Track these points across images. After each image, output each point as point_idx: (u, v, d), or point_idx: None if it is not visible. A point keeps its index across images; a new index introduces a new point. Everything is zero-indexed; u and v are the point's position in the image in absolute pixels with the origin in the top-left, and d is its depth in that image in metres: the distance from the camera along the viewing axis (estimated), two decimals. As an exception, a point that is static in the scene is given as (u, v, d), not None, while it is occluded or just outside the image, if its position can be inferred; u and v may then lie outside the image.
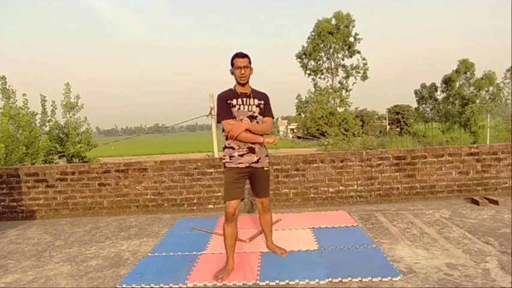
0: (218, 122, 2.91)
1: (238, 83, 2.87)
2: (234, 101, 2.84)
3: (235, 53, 2.85)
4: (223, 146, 2.94)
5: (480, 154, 4.92)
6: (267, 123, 2.94)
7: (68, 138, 12.55)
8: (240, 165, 2.86)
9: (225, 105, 2.85)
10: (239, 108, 2.84)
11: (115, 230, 4.30)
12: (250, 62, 2.84)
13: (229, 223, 2.84)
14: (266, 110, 2.96)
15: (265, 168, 2.98)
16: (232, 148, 2.87)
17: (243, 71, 2.80)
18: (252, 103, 2.87)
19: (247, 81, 2.88)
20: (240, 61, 2.80)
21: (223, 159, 2.92)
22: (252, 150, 2.87)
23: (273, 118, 3.03)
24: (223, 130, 2.91)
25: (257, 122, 2.89)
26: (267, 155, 3.00)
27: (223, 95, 2.89)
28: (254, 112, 2.87)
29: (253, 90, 2.93)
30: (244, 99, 2.86)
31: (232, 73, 2.88)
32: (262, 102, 2.93)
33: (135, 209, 5.02)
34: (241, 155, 2.86)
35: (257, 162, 2.90)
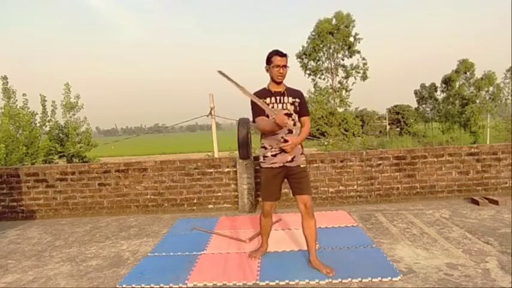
0: (253, 121, 2.92)
1: (273, 81, 2.85)
2: (268, 100, 2.82)
3: (273, 50, 2.81)
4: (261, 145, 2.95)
5: (480, 154, 4.92)
6: (306, 126, 2.88)
7: (68, 138, 12.56)
8: (274, 165, 2.85)
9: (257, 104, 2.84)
10: (272, 107, 2.81)
11: (115, 230, 4.30)
12: (287, 61, 2.83)
13: (265, 217, 3.06)
14: (302, 109, 2.89)
15: (302, 166, 2.87)
16: (265, 148, 2.88)
17: (281, 70, 2.78)
18: (286, 101, 2.83)
19: (283, 80, 2.86)
20: (279, 59, 2.78)
21: (260, 158, 2.96)
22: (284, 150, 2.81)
23: (309, 115, 2.97)
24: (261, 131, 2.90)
25: (292, 120, 2.83)
26: (302, 153, 2.91)
27: (256, 94, 2.85)
28: (289, 110, 2.83)
29: (287, 88, 2.89)
30: (278, 97, 2.84)
31: (267, 70, 2.86)
32: (298, 100, 2.87)
33: (135, 209, 5.02)
34: (274, 155, 2.84)
35: (292, 161, 2.84)
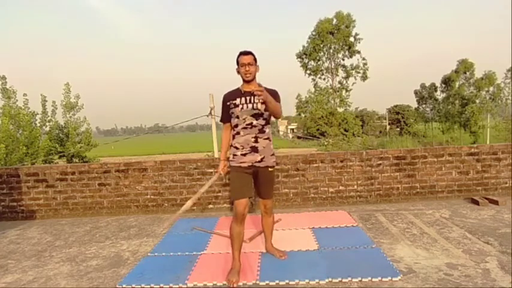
0: (221, 121, 3.01)
1: (243, 80, 2.86)
2: (238, 100, 2.84)
3: (240, 51, 2.86)
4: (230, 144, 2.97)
5: (480, 154, 4.92)
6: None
7: (68, 138, 12.58)
8: (242, 165, 2.85)
9: (224, 107, 2.92)
10: (242, 108, 2.82)
11: (115, 230, 4.30)
12: (255, 60, 2.83)
13: (238, 222, 2.78)
14: None
15: (270, 169, 2.90)
16: (236, 148, 2.88)
17: (247, 68, 2.79)
18: (256, 101, 2.82)
19: (253, 79, 2.85)
20: (244, 58, 2.79)
21: (229, 157, 2.95)
22: (255, 150, 2.83)
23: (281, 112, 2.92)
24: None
25: (264, 119, 2.85)
26: (272, 154, 2.93)
27: (226, 95, 2.93)
28: (259, 110, 2.82)
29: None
30: (248, 97, 2.84)
31: (238, 72, 2.87)
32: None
33: (135, 209, 5.02)
34: (244, 154, 2.84)
35: (261, 161, 2.85)
